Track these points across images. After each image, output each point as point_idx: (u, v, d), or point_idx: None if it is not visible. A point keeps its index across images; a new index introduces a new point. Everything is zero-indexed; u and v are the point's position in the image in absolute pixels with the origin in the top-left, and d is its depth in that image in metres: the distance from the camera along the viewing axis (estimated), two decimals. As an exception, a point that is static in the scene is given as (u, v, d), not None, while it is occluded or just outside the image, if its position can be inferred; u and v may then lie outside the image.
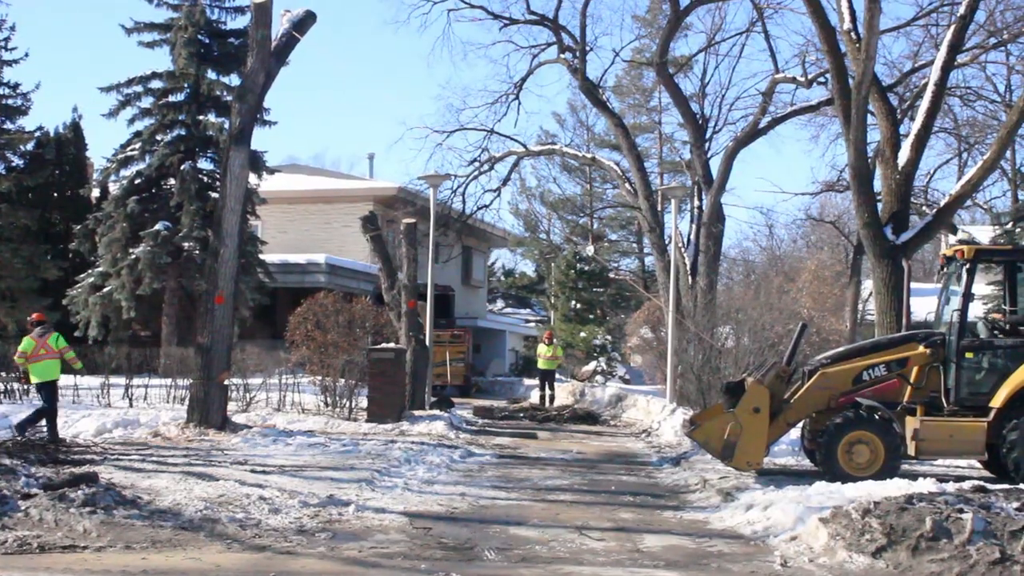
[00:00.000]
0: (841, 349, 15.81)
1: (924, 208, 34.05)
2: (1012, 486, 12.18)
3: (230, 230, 18.02)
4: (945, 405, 14.35)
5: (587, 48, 34.76)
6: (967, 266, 14.50)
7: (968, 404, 14.26)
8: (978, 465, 15.60)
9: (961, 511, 9.02)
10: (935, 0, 30.13)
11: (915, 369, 14.58)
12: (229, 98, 34.94)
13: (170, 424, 17.60)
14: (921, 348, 14.62)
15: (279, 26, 18.40)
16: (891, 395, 14.45)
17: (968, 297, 14.46)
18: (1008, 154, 36.62)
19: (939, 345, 14.55)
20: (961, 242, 15.56)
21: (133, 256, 32.04)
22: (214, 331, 17.78)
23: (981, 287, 38.10)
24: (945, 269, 15.46)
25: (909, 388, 14.53)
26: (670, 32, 33.83)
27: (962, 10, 24.06)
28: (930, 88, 24.18)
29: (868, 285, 32.73)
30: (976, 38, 28.04)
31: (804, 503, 10.81)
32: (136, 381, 23.19)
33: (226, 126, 34.12)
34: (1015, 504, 9.39)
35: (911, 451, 14.15)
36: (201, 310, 18.66)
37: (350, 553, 9.00)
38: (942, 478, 12.95)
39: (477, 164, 37.21)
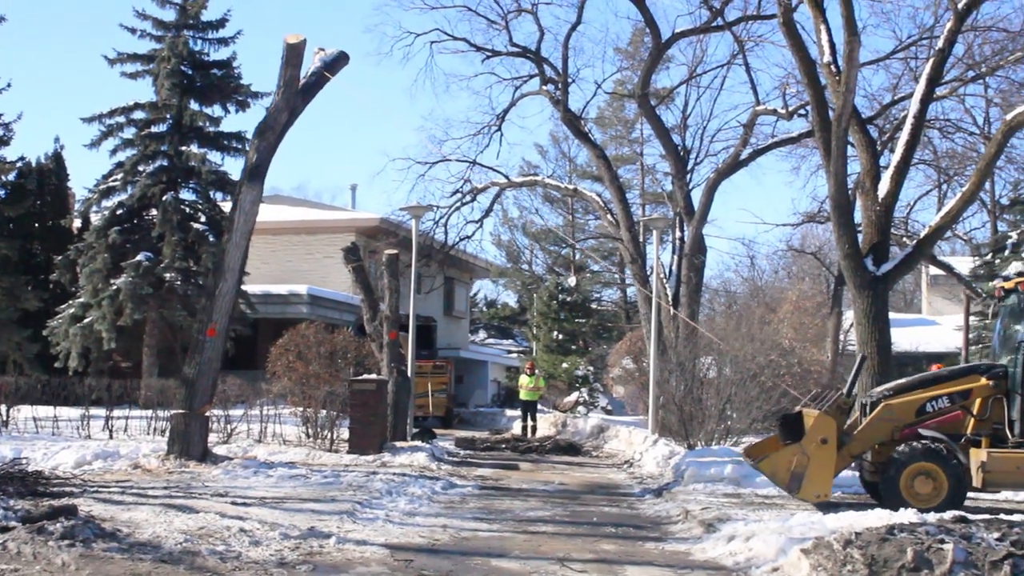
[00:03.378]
0: (902, 381, 15.67)
1: (904, 239, 34.24)
2: (993, 517, 12.20)
3: (232, 265, 17.90)
4: (1010, 437, 14.29)
5: (569, 80, 34.92)
6: None
7: None
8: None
9: (942, 542, 9.02)
10: (914, 33, 30.43)
11: (978, 401, 14.55)
12: (212, 129, 35.05)
13: (150, 456, 17.49)
14: (983, 380, 14.57)
15: (311, 63, 18.24)
16: (954, 427, 14.43)
17: None
18: (987, 185, 36.89)
19: (1002, 377, 14.51)
20: (1020, 274, 15.56)
21: (114, 287, 31.95)
22: (202, 363, 17.65)
23: (963, 318, 38.37)
24: (1002, 301, 15.44)
25: (973, 420, 14.51)
26: (652, 64, 34.01)
27: (941, 43, 24.28)
28: (909, 120, 24.35)
29: (849, 316, 32.83)
30: (955, 71, 28.27)
31: (786, 534, 10.80)
32: (116, 412, 23.03)
33: (208, 157, 34.33)
34: (996, 534, 9.40)
35: (977, 483, 14.11)
36: (193, 341, 18.50)
37: (331, 585, 8.96)
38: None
39: (459, 195, 37.27)
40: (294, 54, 17.74)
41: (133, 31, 34.56)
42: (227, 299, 17.91)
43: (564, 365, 42.06)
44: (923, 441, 14.08)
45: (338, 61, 18.58)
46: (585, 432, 31.02)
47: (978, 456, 14.16)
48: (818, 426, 14.16)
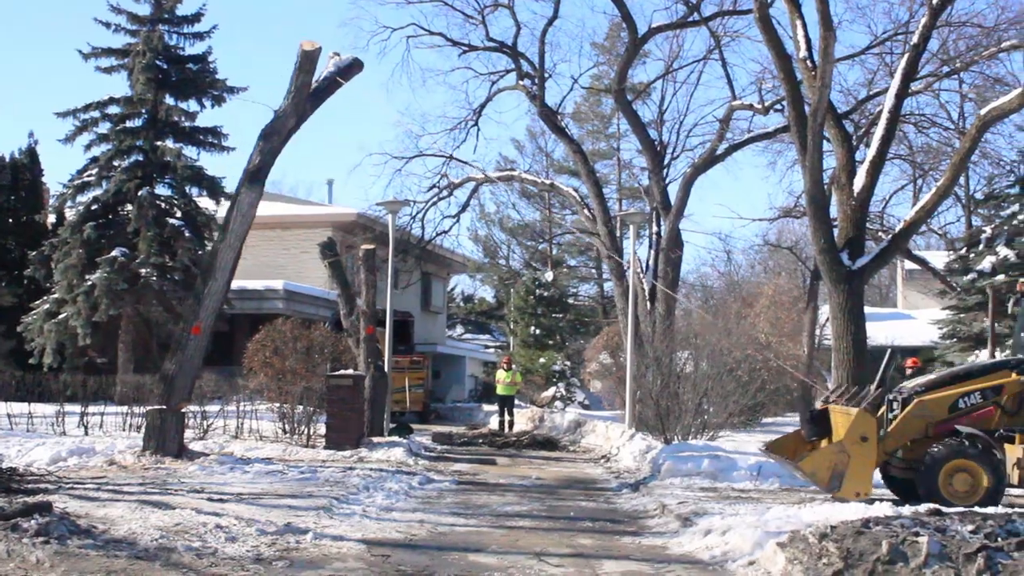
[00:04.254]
0: (933, 376, 15.58)
1: (880, 234, 34.44)
2: (967, 508, 12.26)
3: (224, 265, 17.77)
4: None
5: (546, 75, 34.99)
6: None
7: None
8: None
9: (917, 534, 9.06)
10: (889, 29, 30.66)
11: (1009, 396, 14.50)
12: (187, 124, 34.87)
13: (126, 452, 17.41)
14: (1014, 375, 14.52)
15: (324, 67, 18.05)
16: (986, 423, 14.31)
17: None
18: (961, 180, 37.10)
19: None
20: None
21: (89, 282, 31.75)
22: (183, 360, 17.54)
23: (938, 312, 38.56)
24: None
25: (1005, 416, 14.44)
26: (628, 59, 34.08)
27: (915, 39, 24.43)
28: (885, 115, 24.49)
29: (825, 310, 33.00)
30: (930, 66, 28.52)
31: (762, 528, 10.83)
32: (92, 409, 22.92)
33: (184, 152, 34.09)
34: (970, 527, 9.46)
35: (1014, 479, 14.05)
36: (175, 338, 18.36)
37: (308, 581, 8.94)
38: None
39: (436, 190, 37.33)
40: (308, 61, 17.51)
41: (108, 25, 34.35)
42: (216, 298, 17.83)
43: (541, 360, 42.03)
44: (961, 438, 14.00)
45: (352, 68, 18.44)
46: (562, 427, 31.04)
47: (1014, 453, 14.09)
48: (858, 423, 13.96)
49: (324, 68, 18.10)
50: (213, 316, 17.94)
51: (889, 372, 15.26)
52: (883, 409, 14.76)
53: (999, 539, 9.02)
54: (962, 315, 33.35)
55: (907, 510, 11.32)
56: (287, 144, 18.21)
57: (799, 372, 30.12)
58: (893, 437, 14.42)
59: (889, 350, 16.33)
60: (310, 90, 17.83)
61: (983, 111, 23.68)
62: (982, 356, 30.30)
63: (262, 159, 17.79)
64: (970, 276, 32.40)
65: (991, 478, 13.73)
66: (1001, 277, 30.11)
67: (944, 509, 11.11)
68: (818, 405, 15.85)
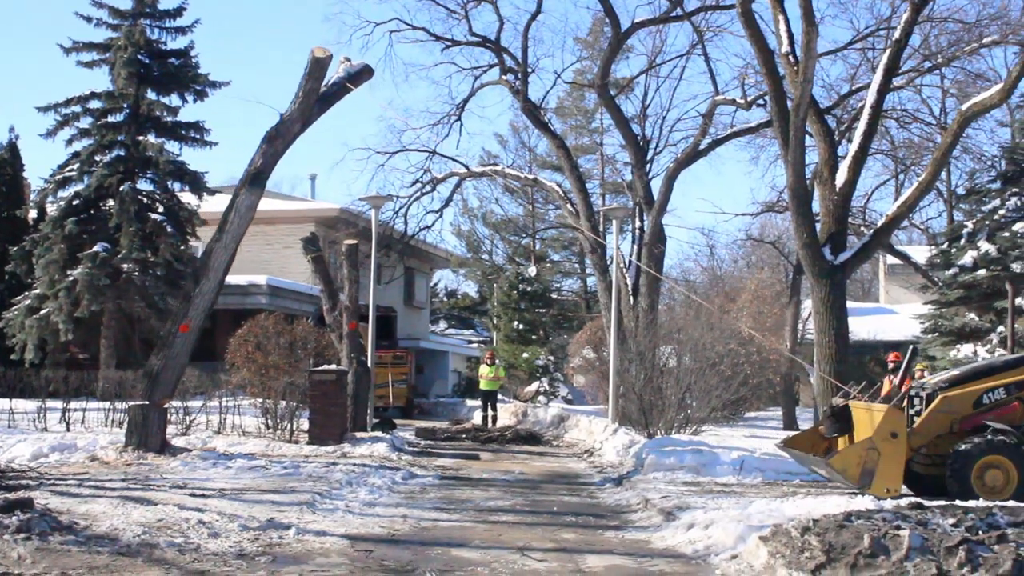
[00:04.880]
0: (955, 372, 15.61)
1: (862, 228, 34.56)
2: (948, 502, 12.31)
3: (217, 265, 17.69)
4: None
5: (529, 70, 34.95)
6: None
7: None
8: None
9: (899, 528, 9.11)
10: (871, 24, 30.76)
11: None
12: (169, 119, 34.74)
13: (108, 448, 17.34)
14: None
15: (334, 71, 17.97)
16: (1011, 418, 14.38)
17: None
18: (943, 175, 37.23)
19: None
20: None
21: (71, 278, 31.64)
22: (169, 357, 17.48)
23: (920, 307, 38.71)
24: None
25: None
26: (611, 54, 34.09)
27: (897, 34, 24.51)
28: (867, 110, 24.56)
29: (808, 305, 33.10)
30: (911, 62, 28.61)
31: (744, 521, 10.86)
32: (74, 404, 22.78)
33: (166, 147, 33.99)
34: (951, 520, 9.50)
35: None
36: (163, 334, 18.30)
37: (290, 577, 8.93)
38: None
39: (419, 185, 37.27)
40: (318, 67, 17.43)
41: (89, 20, 34.21)
42: (207, 297, 17.76)
43: (524, 355, 42.08)
44: (991, 434, 14.03)
45: (361, 74, 18.37)
46: (546, 422, 31.07)
47: None
48: (888, 420, 13.98)
49: (334, 73, 18.04)
50: (203, 315, 17.89)
51: (912, 368, 15.27)
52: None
53: (980, 532, 9.08)
54: (944, 309, 33.48)
55: (889, 504, 11.36)
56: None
57: (785, 362, 30.21)
58: (919, 434, 14.44)
59: (911, 347, 16.37)
60: (318, 95, 17.77)
61: (964, 106, 23.78)
62: (963, 351, 30.47)
63: (264, 161, 17.72)
64: (951, 271, 32.53)
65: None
66: (983, 272, 30.25)
67: (925, 503, 11.14)
68: (836, 401, 15.87)
